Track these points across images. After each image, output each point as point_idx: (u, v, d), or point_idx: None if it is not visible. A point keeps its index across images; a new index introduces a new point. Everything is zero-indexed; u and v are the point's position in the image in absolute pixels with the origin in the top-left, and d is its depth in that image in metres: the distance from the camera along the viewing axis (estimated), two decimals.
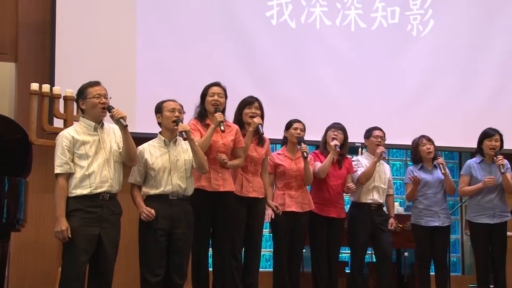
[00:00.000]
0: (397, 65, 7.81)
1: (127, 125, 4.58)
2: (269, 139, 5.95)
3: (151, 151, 4.97)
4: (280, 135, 6.15)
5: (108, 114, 4.63)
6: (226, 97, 5.47)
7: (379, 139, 6.30)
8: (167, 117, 5.00)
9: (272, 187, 5.93)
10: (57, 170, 4.55)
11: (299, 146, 5.86)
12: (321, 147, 6.21)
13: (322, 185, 6.07)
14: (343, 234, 6.22)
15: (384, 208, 6.36)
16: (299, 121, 6.00)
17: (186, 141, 4.94)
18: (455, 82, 7.91)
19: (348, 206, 6.45)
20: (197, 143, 5.07)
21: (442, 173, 6.22)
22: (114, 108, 4.59)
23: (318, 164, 6.04)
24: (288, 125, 6.01)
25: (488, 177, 6.10)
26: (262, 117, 5.66)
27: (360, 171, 6.22)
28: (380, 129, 6.38)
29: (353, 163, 6.33)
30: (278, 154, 6.02)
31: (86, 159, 4.56)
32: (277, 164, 5.93)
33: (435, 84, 7.87)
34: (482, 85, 7.95)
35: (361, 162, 6.32)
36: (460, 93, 7.91)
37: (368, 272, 6.73)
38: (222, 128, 5.24)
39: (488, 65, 7.97)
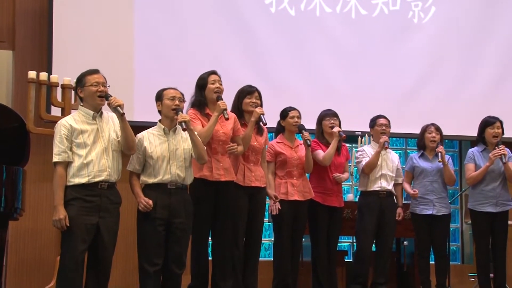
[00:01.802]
0: (398, 52, 7.77)
1: (124, 113, 4.56)
2: (268, 127, 5.91)
3: (150, 139, 4.94)
4: None
5: (106, 102, 4.61)
6: None
7: (384, 127, 6.26)
8: (167, 105, 4.97)
9: (273, 175, 5.88)
10: (55, 159, 4.53)
11: (300, 134, 5.80)
12: (319, 136, 6.15)
13: (323, 175, 6.03)
14: (342, 223, 6.19)
15: None
16: (294, 109, 5.95)
17: (185, 131, 4.90)
18: (455, 70, 7.88)
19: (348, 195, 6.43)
20: (200, 132, 5.07)
21: (439, 161, 6.20)
22: (111, 96, 4.57)
23: (321, 152, 5.99)
24: (284, 114, 5.94)
25: (492, 153, 6.06)
26: (261, 106, 5.61)
27: (365, 161, 6.18)
28: (384, 117, 6.33)
29: (358, 153, 6.30)
30: (278, 142, 5.96)
31: (84, 148, 4.54)
32: (278, 152, 5.88)
33: (436, 72, 7.83)
34: (483, 73, 7.91)
35: (366, 151, 6.28)
36: (460, 81, 7.87)
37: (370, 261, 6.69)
38: (226, 116, 5.21)
39: (489, 53, 7.93)
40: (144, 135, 4.96)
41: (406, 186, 6.37)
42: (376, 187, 6.18)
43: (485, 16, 7.97)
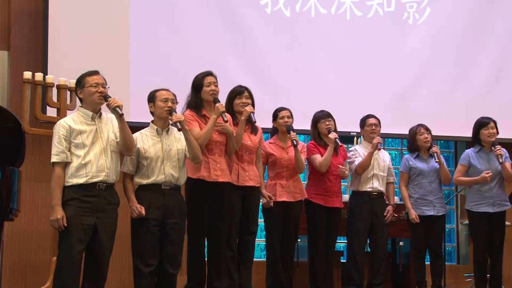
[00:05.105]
0: (393, 53, 7.78)
1: (122, 114, 4.57)
2: (265, 128, 5.92)
3: (144, 140, 4.95)
4: None
5: (105, 103, 4.62)
6: None
7: (373, 127, 6.27)
8: (160, 106, 4.98)
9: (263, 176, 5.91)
10: (54, 159, 4.54)
11: (288, 135, 5.82)
12: (316, 139, 6.15)
13: (324, 176, 6.02)
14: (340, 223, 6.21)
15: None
16: (284, 109, 5.97)
17: (180, 131, 4.90)
18: (451, 71, 7.89)
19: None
20: (199, 135, 5.12)
21: (436, 162, 6.23)
22: (110, 97, 4.58)
23: (319, 157, 5.98)
24: (275, 115, 5.98)
25: (486, 172, 6.10)
26: (253, 105, 5.62)
27: (357, 161, 6.19)
28: (373, 116, 6.35)
29: (350, 153, 6.31)
30: (270, 143, 5.99)
31: (82, 148, 4.55)
32: (268, 153, 5.91)
33: (431, 73, 7.84)
34: (478, 74, 7.93)
35: (358, 151, 6.29)
36: (456, 82, 7.88)
37: (364, 262, 6.72)
38: (226, 119, 5.23)
39: (484, 54, 7.95)
40: (137, 136, 4.95)
41: (407, 202, 6.34)
42: (368, 187, 6.20)
43: (480, 17, 7.99)
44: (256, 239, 5.79)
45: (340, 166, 6.02)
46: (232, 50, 7.43)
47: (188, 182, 5.15)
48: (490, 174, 6.11)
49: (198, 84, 5.39)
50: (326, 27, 7.70)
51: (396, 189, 6.73)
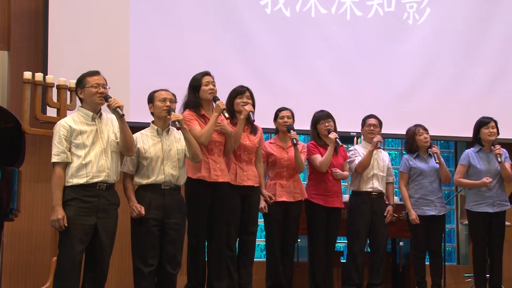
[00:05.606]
0: (393, 53, 7.78)
1: (123, 114, 4.58)
2: (265, 128, 5.91)
3: (144, 140, 4.96)
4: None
5: (105, 103, 4.62)
6: None
7: (372, 128, 6.27)
8: (158, 106, 4.99)
9: (265, 176, 5.91)
10: (54, 159, 4.55)
11: (289, 134, 5.83)
12: (315, 139, 6.15)
13: (323, 176, 6.03)
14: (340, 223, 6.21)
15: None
16: (285, 109, 5.99)
17: (179, 130, 4.91)
18: (451, 71, 7.89)
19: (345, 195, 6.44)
20: (201, 133, 5.14)
21: (437, 162, 6.23)
22: (111, 98, 4.59)
23: (319, 157, 5.99)
24: (275, 115, 5.99)
25: (487, 178, 6.11)
26: (253, 105, 5.63)
27: (357, 160, 6.20)
28: (374, 117, 6.35)
29: (350, 152, 6.31)
30: (270, 143, 6.00)
31: (83, 148, 4.56)
32: (269, 153, 5.92)
33: (431, 73, 7.84)
34: (478, 74, 7.92)
35: (358, 151, 6.30)
36: (456, 82, 7.89)
37: (363, 262, 6.72)
38: (227, 115, 5.25)
39: (484, 54, 7.95)
40: (137, 136, 4.96)
41: (407, 202, 6.33)
42: (368, 187, 6.20)
43: (480, 17, 7.99)
44: (256, 239, 5.78)
45: (333, 169, 6.02)
46: (232, 50, 7.43)
47: (188, 182, 5.16)
48: (491, 180, 6.13)
49: (196, 84, 5.40)
50: (326, 27, 7.70)
51: (396, 189, 6.73)
